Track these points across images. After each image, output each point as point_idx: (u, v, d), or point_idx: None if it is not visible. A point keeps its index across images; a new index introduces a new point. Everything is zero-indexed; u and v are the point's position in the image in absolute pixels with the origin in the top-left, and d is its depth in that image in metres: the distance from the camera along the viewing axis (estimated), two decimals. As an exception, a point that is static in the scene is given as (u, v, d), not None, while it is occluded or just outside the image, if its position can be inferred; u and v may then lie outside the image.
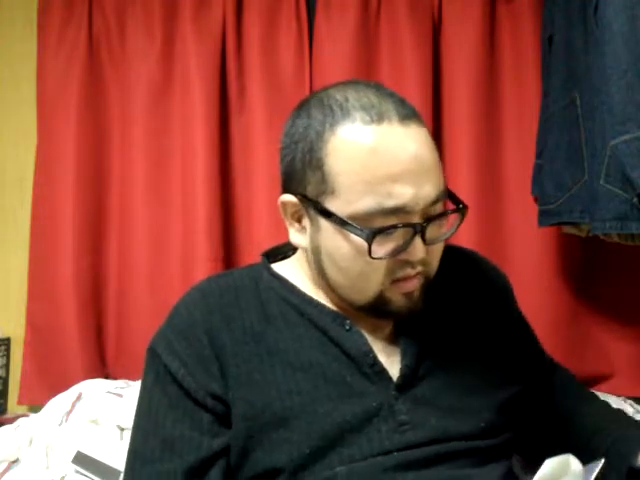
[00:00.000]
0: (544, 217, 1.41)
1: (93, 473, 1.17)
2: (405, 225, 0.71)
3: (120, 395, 1.32)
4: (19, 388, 1.66)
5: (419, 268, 0.75)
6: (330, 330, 0.79)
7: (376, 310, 0.77)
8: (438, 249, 0.77)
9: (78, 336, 1.63)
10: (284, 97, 1.61)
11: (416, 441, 0.75)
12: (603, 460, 0.71)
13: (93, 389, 1.35)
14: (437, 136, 1.59)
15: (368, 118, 0.71)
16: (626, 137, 1.07)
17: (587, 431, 0.87)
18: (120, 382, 1.44)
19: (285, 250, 0.91)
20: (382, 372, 0.78)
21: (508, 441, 0.83)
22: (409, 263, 0.74)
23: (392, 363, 0.79)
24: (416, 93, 1.56)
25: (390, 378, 0.77)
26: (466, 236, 1.49)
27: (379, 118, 0.71)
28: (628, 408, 1.30)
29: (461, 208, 0.77)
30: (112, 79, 1.69)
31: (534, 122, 1.50)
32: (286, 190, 0.78)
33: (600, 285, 1.56)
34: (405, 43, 1.59)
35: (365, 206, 0.70)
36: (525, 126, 1.57)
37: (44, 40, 1.69)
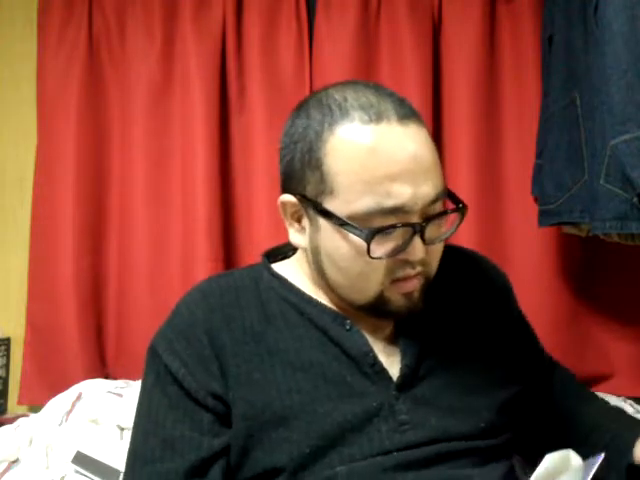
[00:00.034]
0: (544, 217, 1.41)
1: (93, 473, 1.17)
2: (404, 225, 0.71)
3: (120, 395, 1.32)
4: (19, 388, 1.66)
5: (419, 268, 0.75)
6: (330, 330, 0.79)
7: (376, 310, 0.77)
8: (438, 249, 0.77)
9: (78, 336, 1.63)
10: (284, 97, 1.61)
11: (416, 441, 0.75)
12: (603, 455, 0.71)
13: (93, 389, 1.35)
14: (437, 136, 1.60)
15: (367, 118, 0.71)
16: (626, 137, 1.07)
17: (586, 428, 0.87)
18: (120, 382, 1.44)
19: (285, 250, 0.91)
20: (382, 372, 0.78)
21: (508, 441, 0.83)
22: (409, 263, 0.74)
23: (392, 363, 0.79)
24: (416, 93, 1.56)
25: (390, 378, 0.77)
26: (466, 236, 1.49)
27: (378, 118, 0.71)
28: (628, 408, 1.30)
29: (461, 208, 0.77)
30: (112, 79, 1.69)
31: (534, 122, 1.50)
32: (285, 190, 0.78)
33: (600, 285, 1.56)
34: (405, 43, 1.59)
35: (364, 206, 0.70)
36: (525, 126, 1.57)
37: (44, 40, 1.69)
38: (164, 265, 1.64)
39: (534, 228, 1.47)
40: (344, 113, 0.72)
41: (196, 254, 1.61)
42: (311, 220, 0.76)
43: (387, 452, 0.74)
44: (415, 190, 0.70)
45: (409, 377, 0.78)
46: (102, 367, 1.67)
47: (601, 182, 1.11)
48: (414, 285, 0.76)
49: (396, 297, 0.76)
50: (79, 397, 1.32)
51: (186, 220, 1.63)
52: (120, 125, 1.68)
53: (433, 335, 0.82)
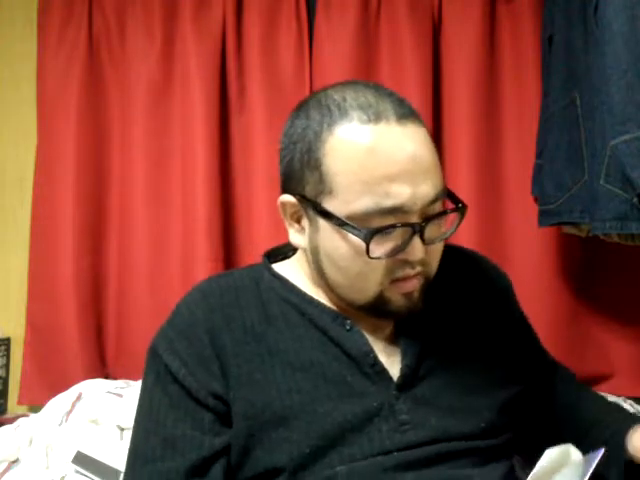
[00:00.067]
0: (544, 217, 1.41)
1: (93, 473, 1.17)
2: (403, 225, 0.71)
3: (120, 395, 1.32)
4: (19, 388, 1.66)
5: (418, 268, 0.75)
6: (330, 330, 0.79)
7: (376, 310, 0.77)
8: (437, 249, 0.77)
9: (78, 336, 1.63)
10: (284, 97, 1.61)
11: (417, 441, 0.75)
12: (603, 450, 0.71)
13: (93, 389, 1.35)
14: (437, 136, 1.60)
15: (365, 117, 0.71)
16: (626, 137, 1.07)
17: (586, 424, 0.87)
18: (120, 382, 1.44)
19: (285, 250, 0.91)
20: (382, 372, 0.78)
21: (509, 441, 0.83)
22: (408, 263, 0.74)
23: (392, 363, 0.79)
24: (416, 93, 1.56)
25: (390, 378, 0.77)
26: (466, 236, 1.49)
27: (377, 118, 0.71)
28: (628, 408, 1.29)
29: (460, 207, 0.77)
30: (112, 79, 1.69)
31: (534, 122, 1.50)
32: (285, 190, 0.78)
33: (600, 285, 1.56)
34: (405, 43, 1.59)
35: (363, 206, 0.70)
36: (525, 126, 1.57)
37: (44, 40, 1.69)
38: (164, 265, 1.64)
39: (534, 228, 1.47)
40: (343, 113, 0.72)
41: (196, 254, 1.61)
42: (310, 220, 0.76)
43: (387, 452, 0.74)
44: (414, 190, 0.70)
45: (409, 377, 0.78)
46: (102, 367, 1.67)
47: (601, 182, 1.11)
48: (414, 285, 0.76)
49: (396, 297, 0.76)
50: (79, 397, 1.32)
51: (186, 220, 1.63)
52: (120, 125, 1.68)
53: (433, 335, 0.82)
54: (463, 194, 0.78)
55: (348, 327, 0.79)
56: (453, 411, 0.78)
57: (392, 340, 0.81)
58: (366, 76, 1.58)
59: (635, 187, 1.06)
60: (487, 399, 0.81)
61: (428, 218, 0.72)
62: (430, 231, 0.73)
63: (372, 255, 0.71)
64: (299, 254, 0.86)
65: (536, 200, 1.47)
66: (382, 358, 0.79)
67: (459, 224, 0.77)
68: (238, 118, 1.66)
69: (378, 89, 0.75)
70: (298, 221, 0.79)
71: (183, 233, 1.63)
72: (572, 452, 0.72)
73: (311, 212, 0.75)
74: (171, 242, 1.64)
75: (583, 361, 1.51)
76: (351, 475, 0.72)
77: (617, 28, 1.07)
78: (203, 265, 1.59)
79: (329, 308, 0.81)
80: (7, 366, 1.73)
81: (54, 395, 1.37)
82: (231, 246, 1.65)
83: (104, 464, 1.18)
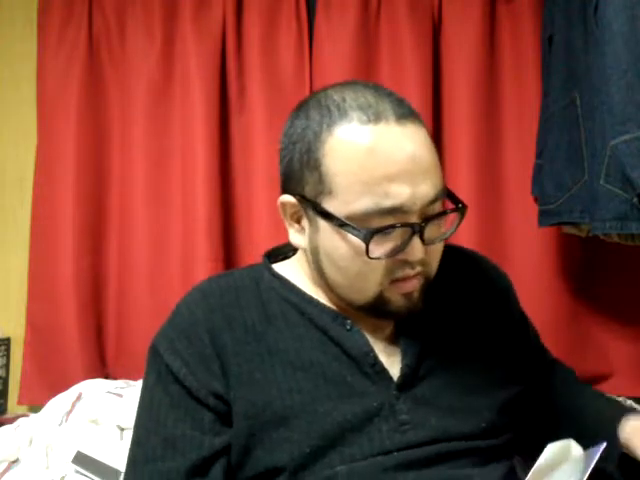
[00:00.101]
0: (544, 217, 1.41)
1: (93, 473, 1.17)
2: (403, 225, 0.71)
3: (120, 395, 1.32)
4: (19, 388, 1.66)
5: (418, 268, 0.75)
6: (331, 330, 0.79)
7: (375, 310, 0.77)
8: (437, 249, 0.77)
9: (78, 336, 1.63)
10: (284, 97, 1.61)
11: (417, 441, 0.75)
12: (604, 444, 0.71)
13: (93, 389, 1.35)
14: (437, 136, 1.60)
15: (365, 118, 0.71)
16: (626, 137, 1.07)
17: (585, 420, 0.87)
18: (120, 382, 1.44)
19: (286, 251, 0.91)
20: (383, 372, 0.78)
21: (509, 441, 0.83)
22: (408, 263, 0.74)
23: (393, 363, 0.79)
24: (416, 93, 1.56)
25: (391, 378, 0.78)
26: (466, 236, 1.49)
27: (376, 118, 0.71)
28: (628, 408, 1.30)
29: (460, 207, 0.77)
30: (112, 79, 1.69)
31: (534, 122, 1.50)
32: (285, 191, 0.78)
33: (600, 285, 1.56)
34: (405, 43, 1.59)
35: (362, 206, 0.70)
36: (525, 126, 1.57)
37: (44, 40, 1.69)
38: (164, 265, 1.64)
39: (534, 228, 1.48)
40: (342, 114, 0.72)
41: (196, 254, 1.61)
42: (310, 220, 0.76)
43: (387, 452, 0.74)
44: (414, 190, 0.70)
45: (409, 377, 0.78)
46: (102, 367, 1.67)
47: (601, 182, 1.11)
48: (414, 285, 0.76)
49: (396, 297, 0.76)
50: (79, 397, 1.32)
51: (186, 220, 1.63)
52: (120, 125, 1.68)
53: (434, 335, 0.82)
54: (463, 194, 0.78)
55: (348, 327, 0.79)
56: (453, 411, 0.78)
57: (392, 340, 0.81)
58: (366, 76, 1.58)
59: (635, 187, 1.06)
60: (487, 399, 0.81)
61: (428, 218, 0.72)
62: (430, 231, 0.73)
63: (372, 255, 0.71)
64: (299, 254, 0.86)
65: (536, 200, 1.47)
66: (382, 358, 0.79)
67: (459, 224, 0.77)
68: (238, 118, 1.66)
69: (377, 89, 0.75)
70: (298, 221, 0.79)
71: (183, 233, 1.63)
72: (573, 447, 0.72)
73: (311, 212, 0.75)
74: (171, 242, 1.64)
75: (583, 361, 1.51)
76: (351, 475, 0.72)
77: (617, 28, 1.07)
78: (203, 265, 1.59)
79: (329, 308, 0.81)
80: (7, 366, 1.73)
81: (54, 395, 1.37)
82: (231, 246, 1.65)
83: (104, 464, 1.18)
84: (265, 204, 1.60)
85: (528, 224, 1.52)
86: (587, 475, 0.68)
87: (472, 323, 0.86)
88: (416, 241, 0.72)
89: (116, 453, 1.19)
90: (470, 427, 0.78)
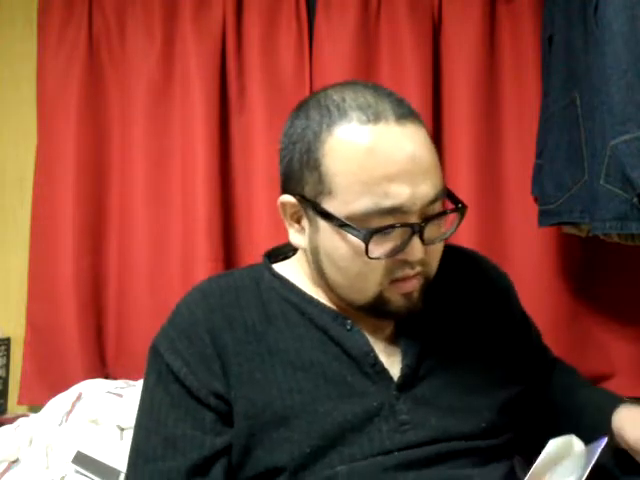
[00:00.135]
0: (544, 217, 1.41)
1: (93, 473, 1.17)
2: (403, 225, 0.71)
3: (120, 395, 1.32)
4: (19, 388, 1.66)
5: (418, 268, 0.75)
6: (331, 330, 0.79)
7: (375, 310, 0.77)
8: (437, 249, 0.77)
9: (78, 336, 1.63)
10: (284, 97, 1.61)
11: (417, 441, 0.75)
12: (606, 439, 0.71)
13: (93, 389, 1.35)
14: (437, 136, 1.60)
15: (365, 118, 0.71)
16: (626, 137, 1.07)
17: (585, 419, 0.86)
18: (120, 382, 1.44)
19: (286, 251, 0.91)
20: (383, 372, 0.78)
21: (509, 441, 0.83)
22: (408, 263, 0.74)
23: (393, 363, 0.79)
24: (416, 93, 1.56)
25: (391, 378, 0.78)
26: (466, 236, 1.49)
27: (376, 118, 0.71)
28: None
29: (460, 208, 0.77)
30: (112, 79, 1.69)
31: (534, 122, 1.50)
32: (285, 191, 0.78)
33: (600, 285, 1.56)
34: (405, 43, 1.59)
35: (362, 206, 0.70)
36: (525, 126, 1.57)
37: (44, 40, 1.69)
38: (164, 265, 1.64)
39: (534, 228, 1.48)
40: (342, 114, 0.72)
41: (196, 254, 1.61)
42: (310, 220, 0.76)
43: (388, 452, 0.74)
44: (413, 190, 0.70)
45: (410, 377, 0.78)
46: (102, 367, 1.67)
47: (601, 182, 1.11)
48: (413, 285, 0.76)
49: (396, 297, 0.76)
50: (79, 397, 1.32)
51: (186, 220, 1.63)
52: (120, 125, 1.68)
53: (434, 335, 0.82)
54: (463, 194, 0.78)
55: (348, 327, 0.79)
56: (453, 411, 0.78)
57: (392, 340, 0.81)
58: (366, 76, 1.58)
59: (635, 187, 1.06)
60: (487, 399, 0.81)
61: (428, 218, 0.72)
62: (430, 231, 0.73)
63: (371, 255, 0.71)
64: (299, 254, 0.86)
65: (536, 200, 1.47)
66: (382, 358, 0.79)
67: (459, 224, 0.77)
68: (238, 118, 1.66)
69: (377, 89, 0.75)
70: (298, 221, 0.79)
71: (183, 233, 1.63)
72: (575, 442, 0.72)
73: (311, 212, 0.75)
74: (171, 242, 1.64)
75: (583, 361, 1.51)
76: (351, 475, 0.72)
77: (617, 28, 1.07)
78: (203, 265, 1.59)
79: (329, 308, 0.81)
80: (7, 366, 1.73)
81: (54, 395, 1.37)
82: (231, 246, 1.65)
83: (104, 464, 1.18)
84: (265, 204, 1.60)
85: (528, 224, 1.52)
86: (589, 470, 0.68)
87: (472, 323, 0.86)
88: (416, 241, 0.72)
89: (116, 453, 1.19)
90: (470, 427, 0.78)
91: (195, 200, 1.61)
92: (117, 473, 1.15)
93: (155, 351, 0.81)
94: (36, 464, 1.22)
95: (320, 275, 0.79)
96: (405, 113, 0.72)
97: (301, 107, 0.78)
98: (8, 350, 1.74)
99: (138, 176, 1.65)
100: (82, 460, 1.19)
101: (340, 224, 0.72)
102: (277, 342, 0.78)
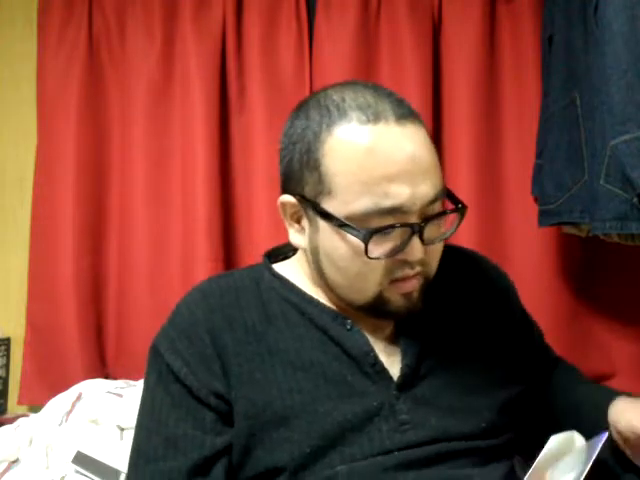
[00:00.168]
0: (544, 217, 1.41)
1: (93, 473, 1.17)
2: (402, 225, 0.71)
3: (120, 395, 1.32)
4: (19, 388, 1.66)
5: (418, 268, 0.75)
6: (331, 330, 0.79)
7: (375, 310, 0.77)
8: (437, 249, 0.77)
9: (78, 336, 1.63)
10: (284, 97, 1.61)
11: (417, 440, 0.75)
12: (606, 434, 0.72)
13: (93, 389, 1.35)
14: (437, 136, 1.60)
15: (364, 118, 0.71)
16: (626, 137, 1.07)
17: (582, 416, 0.86)
18: (120, 382, 1.44)
19: (286, 251, 0.91)
20: (383, 372, 0.78)
21: (510, 441, 0.83)
22: (407, 263, 0.74)
23: (393, 363, 0.79)
24: (416, 93, 1.56)
25: (391, 378, 0.78)
26: (466, 236, 1.49)
27: (375, 118, 0.71)
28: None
29: (460, 208, 0.77)
30: (112, 79, 1.69)
31: (534, 122, 1.50)
32: (285, 191, 0.79)
33: (600, 285, 1.56)
34: (405, 43, 1.59)
35: (362, 206, 0.70)
36: (525, 126, 1.57)
37: (44, 40, 1.69)
38: (164, 265, 1.64)
39: (534, 228, 1.48)
40: (342, 114, 0.72)
41: (196, 254, 1.61)
42: (310, 220, 0.76)
43: (388, 452, 0.74)
44: (413, 190, 0.70)
45: (409, 377, 0.78)
46: (102, 367, 1.67)
47: (601, 182, 1.11)
48: (413, 285, 0.76)
49: (395, 297, 0.76)
50: (79, 397, 1.32)
51: (186, 220, 1.63)
52: (120, 125, 1.68)
53: (434, 335, 0.82)
54: (463, 194, 0.78)
55: (348, 327, 0.79)
56: (453, 411, 0.78)
57: (392, 340, 0.81)
58: (366, 76, 1.58)
59: (635, 187, 1.06)
60: (487, 399, 0.81)
61: (427, 218, 0.72)
62: (429, 231, 0.73)
63: (371, 255, 0.71)
64: (299, 254, 0.86)
65: (536, 200, 1.47)
66: (382, 358, 0.79)
67: (459, 224, 0.77)
68: (238, 118, 1.66)
69: (377, 89, 0.75)
70: (298, 221, 0.79)
71: (183, 233, 1.63)
72: (576, 438, 0.72)
73: (310, 212, 0.75)
74: (171, 242, 1.64)
75: (584, 361, 1.51)
76: (351, 475, 0.72)
77: (617, 28, 1.07)
78: (203, 265, 1.59)
79: (329, 308, 0.81)
80: (7, 366, 1.73)
81: (54, 395, 1.37)
82: (231, 246, 1.65)
83: (104, 464, 1.18)
84: (265, 204, 1.60)
85: (528, 224, 1.52)
86: (590, 465, 0.68)
87: (472, 323, 0.86)
88: (415, 241, 0.72)
89: (116, 453, 1.19)
90: (470, 427, 0.78)
91: (195, 200, 1.61)
92: (117, 473, 1.15)
93: (155, 351, 0.81)
94: (36, 464, 1.22)
95: (320, 275, 0.79)
96: (405, 113, 0.72)
97: (301, 107, 0.78)
98: (8, 350, 1.74)
99: (138, 176, 1.65)
100: (82, 460, 1.19)
101: (340, 224, 0.72)
102: (277, 342, 0.78)
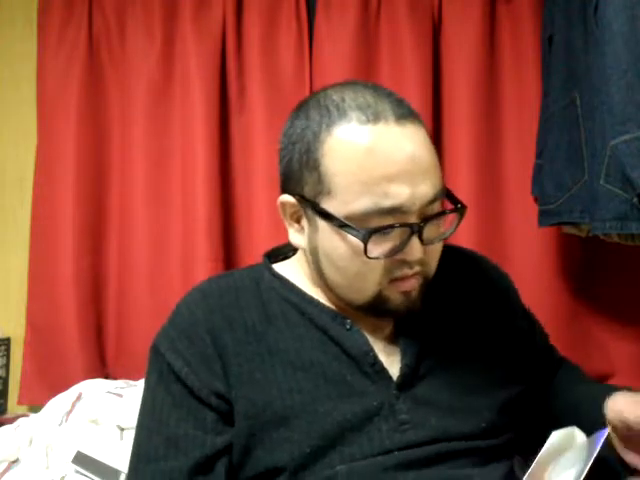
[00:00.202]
0: (544, 217, 1.41)
1: (93, 473, 1.17)
2: (402, 225, 0.71)
3: (120, 395, 1.32)
4: (19, 388, 1.66)
5: (417, 268, 0.75)
6: (330, 329, 0.79)
7: (375, 309, 0.77)
8: (436, 249, 0.77)
9: (78, 336, 1.63)
10: (284, 97, 1.62)
11: (417, 440, 0.75)
12: (607, 430, 0.71)
13: (93, 389, 1.35)
14: (437, 136, 1.60)
15: (364, 118, 0.71)
16: (626, 137, 1.07)
17: (581, 415, 0.86)
18: (120, 382, 1.44)
19: (286, 251, 0.91)
20: (382, 371, 0.78)
21: (510, 441, 0.82)
22: (407, 263, 0.74)
23: (392, 362, 0.79)
24: (416, 93, 1.56)
25: (390, 377, 0.78)
26: (466, 236, 1.49)
27: (375, 118, 0.71)
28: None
29: (459, 208, 0.77)
30: (112, 79, 1.69)
31: (534, 122, 1.50)
32: (285, 191, 0.79)
33: (600, 285, 1.56)
34: (405, 43, 1.59)
35: (361, 206, 0.70)
36: (525, 126, 1.57)
37: (44, 40, 1.69)
38: (164, 265, 1.64)
39: (534, 228, 1.48)
40: (342, 114, 0.72)
41: (196, 254, 1.61)
42: (310, 220, 0.76)
43: (387, 451, 0.74)
44: (413, 190, 0.70)
45: (409, 377, 0.78)
46: (102, 367, 1.67)
47: (601, 182, 1.11)
48: (412, 285, 0.76)
49: (395, 295, 0.76)
50: (79, 397, 1.32)
51: (186, 220, 1.63)
52: (120, 125, 1.68)
53: (433, 335, 0.82)
54: (463, 194, 0.78)
55: (348, 326, 0.79)
56: (453, 411, 0.78)
57: (392, 340, 0.81)
58: (366, 76, 1.58)
59: (635, 187, 1.06)
60: (487, 399, 0.81)
61: (427, 218, 0.72)
62: (429, 231, 0.73)
63: (370, 255, 0.71)
64: (299, 254, 0.86)
65: (536, 200, 1.47)
66: (382, 358, 0.79)
67: (458, 224, 0.77)
68: (238, 118, 1.66)
69: (377, 89, 0.75)
70: (298, 221, 0.79)
71: (183, 233, 1.63)
72: (577, 434, 0.72)
73: (310, 212, 0.75)
74: (171, 242, 1.64)
75: (584, 361, 1.49)
76: (351, 475, 0.72)
77: (617, 28, 1.07)
78: (203, 265, 1.59)
79: (329, 308, 0.81)
80: (7, 366, 1.73)
81: (54, 395, 1.37)
82: (231, 246, 1.65)
83: (104, 464, 1.18)
84: (265, 204, 1.60)
85: (528, 224, 1.52)
86: (591, 461, 0.68)
87: (472, 323, 0.86)
88: (415, 241, 0.72)
89: (116, 453, 1.19)
90: (470, 427, 0.78)
91: (195, 200, 1.61)
92: (117, 473, 1.15)
93: (156, 351, 0.81)
94: (36, 464, 1.22)
95: (319, 275, 0.79)
96: (405, 113, 0.72)
97: (301, 107, 0.78)
98: (8, 350, 1.74)
99: (138, 176, 1.65)
100: (82, 460, 1.19)
101: (339, 224, 0.72)
102: (277, 342, 0.78)
